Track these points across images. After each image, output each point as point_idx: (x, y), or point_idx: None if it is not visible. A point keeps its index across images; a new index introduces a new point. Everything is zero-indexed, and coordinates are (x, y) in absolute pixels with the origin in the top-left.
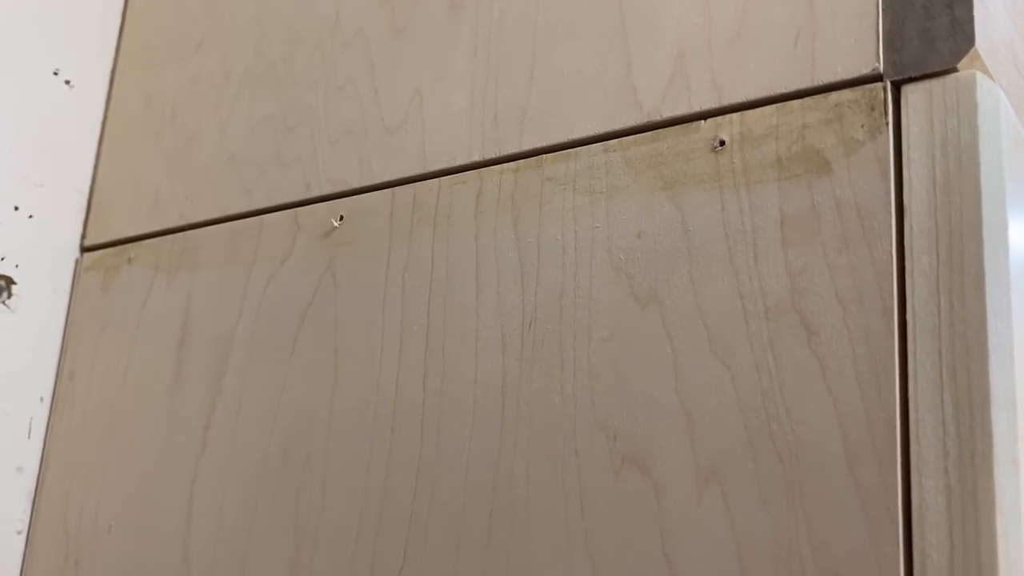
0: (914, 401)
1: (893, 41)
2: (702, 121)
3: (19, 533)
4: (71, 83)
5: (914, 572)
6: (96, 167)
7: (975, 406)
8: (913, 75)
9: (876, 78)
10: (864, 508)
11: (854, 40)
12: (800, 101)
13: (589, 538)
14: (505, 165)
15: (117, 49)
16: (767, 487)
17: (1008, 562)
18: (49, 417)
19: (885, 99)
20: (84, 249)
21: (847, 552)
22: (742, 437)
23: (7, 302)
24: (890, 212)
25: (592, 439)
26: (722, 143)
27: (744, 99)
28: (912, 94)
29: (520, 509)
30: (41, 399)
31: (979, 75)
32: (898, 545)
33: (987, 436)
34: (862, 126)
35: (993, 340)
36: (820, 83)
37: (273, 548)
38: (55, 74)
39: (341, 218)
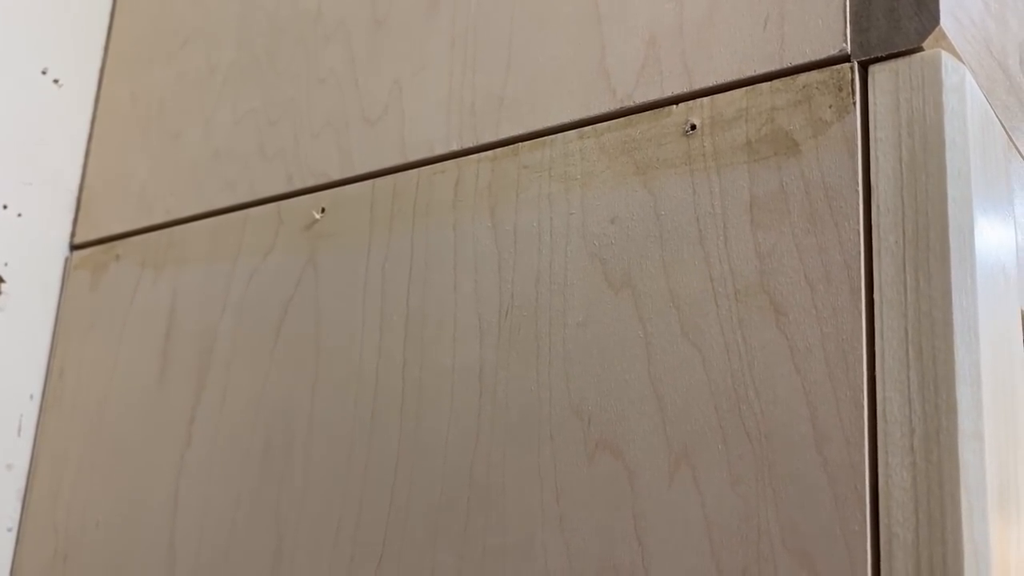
0: (881, 379)
1: (860, 21)
2: (674, 106)
3: (9, 531)
4: (59, 82)
5: (880, 550)
6: (85, 165)
7: (940, 383)
8: (880, 55)
9: (844, 59)
10: (832, 487)
11: (822, 21)
12: (769, 84)
13: (564, 523)
14: (483, 154)
15: (105, 47)
16: (737, 468)
17: (973, 538)
18: (39, 415)
19: (852, 79)
20: (73, 247)
21: (815, 531)
22: (712, 419)
23: None
24: (857, 192)
25: (567, 424)
26: (693, 127)
27: (715, 83)
28: (879, 74)
29: (496, 495)
30: (31, 397)
31: (944, 54)
32: (865, 523)
33: (952, 412)
34: (830, 107)
35: (958, 317)
36: (789, 65)
37: (255, 540)
38: (43, 73)
39: (323, 210)
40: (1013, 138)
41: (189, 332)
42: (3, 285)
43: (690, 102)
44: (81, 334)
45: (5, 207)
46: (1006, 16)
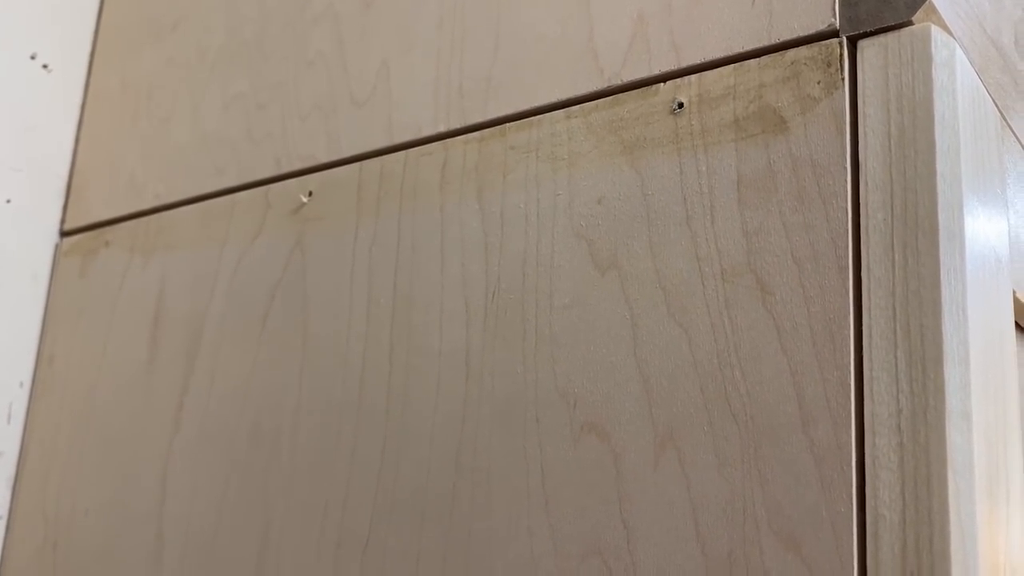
0: (868, 359)
1: None
2: (661, 84)
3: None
4: (49, 67)
5: (867, 531)
6: (75, 151)
7: (928, 362)
8: (869, 30)
9: (832, 34)
10: (818, 468)
11: None
12: (757, 60)
13: (549, 506)
14: (470, 135)
15: (95, 32)
16: (723, 450)
17: (960, 519)
18: (29, 402)
19: (841, 55)
20: (63, 234)
21: (801, 513)
22: (698, 400)
23: None
24: (845, 169)
25: (553, 407)
26: (680, 105)
27: (703, 60)
28: (868, 49)
29: (482, 479)
30: (21, 384)
31: (934, 28)
32: (851, 504)
33: (939, 392)
34: (818, 83)
35: (946, 295)
36: (777, 41)
37: (243, 526)
38: (32, 58)
39: (310, 194)
40: (1007, 117)
41: (177, 318)
42: None
43: (678, 80)
44: (71, 321)
45: None
46: None
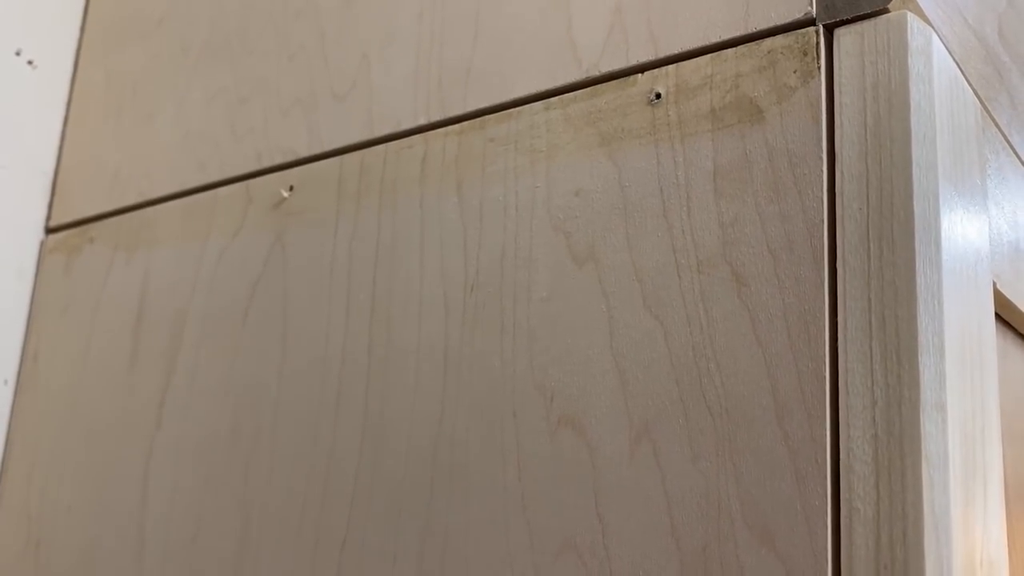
0: (843, 350)
1: None
2: (639, 74)
3: None
4: (34, 63)
5: (841, 524)
6: (60, 147)
7: (903, 352)
8: (845, 18)
9: (809, 22)
10: (793, 461)
11: None
12: (734, 50)
13: (526, 501)
14: (449, 128)
15: (81, 28)
16: (698, 443)
17: (933, 512)
18: (13, 399)
19: (817, 43)
20: (48, 230)
21: (775, 506)
22: (674, 393)
23: None
24: (821, 158)
25: (530, 400)
26: (658, 96)
27: (680, 50)
28: (844, 37)
29: (460, 474)
30: (5, 382)
31: (910, 15)
32: (826, 498)
33: (914, 383)
34: (795, 72)
35: (921, 285)
36: (754, 30)
37: (222, 523)
38: (17, 54)
39: (291, 188)
40: (989, 108)
41: (160, 314)
42: None
43: (655, 70)
44: (55, 318)
45: None
46: None
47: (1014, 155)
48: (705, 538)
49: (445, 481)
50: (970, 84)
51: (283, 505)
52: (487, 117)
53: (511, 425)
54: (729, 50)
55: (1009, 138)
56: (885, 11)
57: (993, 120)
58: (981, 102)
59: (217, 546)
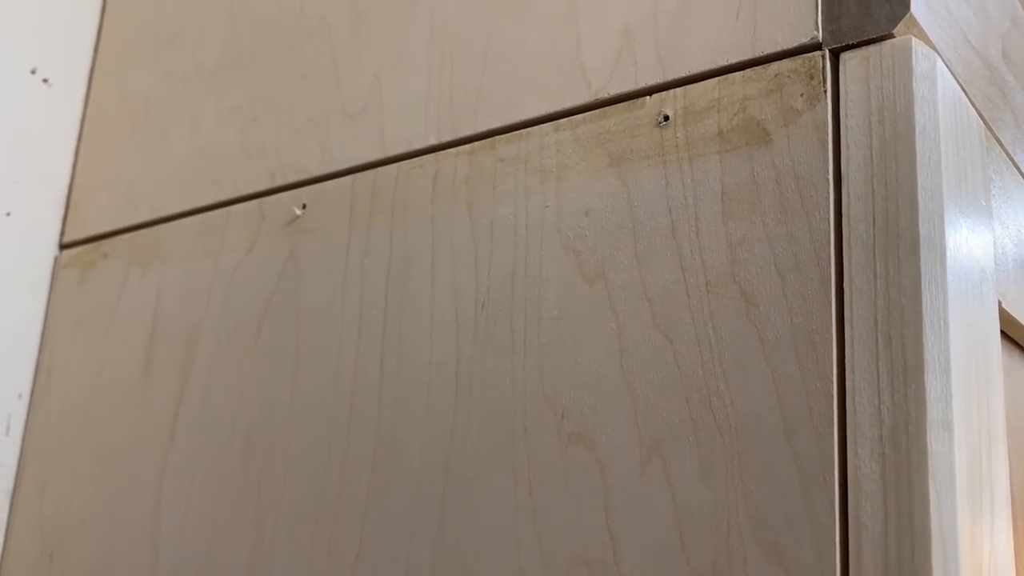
0: (850, 369)
1: (831, 9)
2: (647, 97)
3: None
4: (49, 81)
5: (849, 542)
6: (74, 164)
7: (909, 372)
8: (851, 42)
9: (815, 47)
10: (801, 479)
11: (794, 9)
12: (741, 73)
13: (537, 517)
14: (460, 148)
15: (95, 47)
16: (707, 461)
17: (941, 530)
18: (27, 413)
19: (823, 67)
20: (62, 246)
21: (784, 523)
22: (684, 411)
23: None
24: (828, 180)
25: (540, 417)
26: (666, 118)
27: (688, 73)
28: (850, 61)
29: (471, 489)
30: (20, 396)
31: (915, 41)
32: (834, 515)
33: (921, 402)
34: (801, 95)
35: (927, 306)
36: (761, 54)
37: (235, 537)
38: (33, 72)
39: (304, 206)
40: (993, 128)
41: (173, 330)
42: None
43: (663, 93)
44: (69, 333)
45: None
46: (987, 7)
47: (1018, 173)
48: (715, 554)
49: (457, 496)
50: (974, 105)
51: (296, 519)
52: (497, 137)
53: (522, 441)
54: (736, 73)
55: (1013, 156)
56: (890, 36)
57: (997, 139)
58: (985, 122)
59: (230, 560)
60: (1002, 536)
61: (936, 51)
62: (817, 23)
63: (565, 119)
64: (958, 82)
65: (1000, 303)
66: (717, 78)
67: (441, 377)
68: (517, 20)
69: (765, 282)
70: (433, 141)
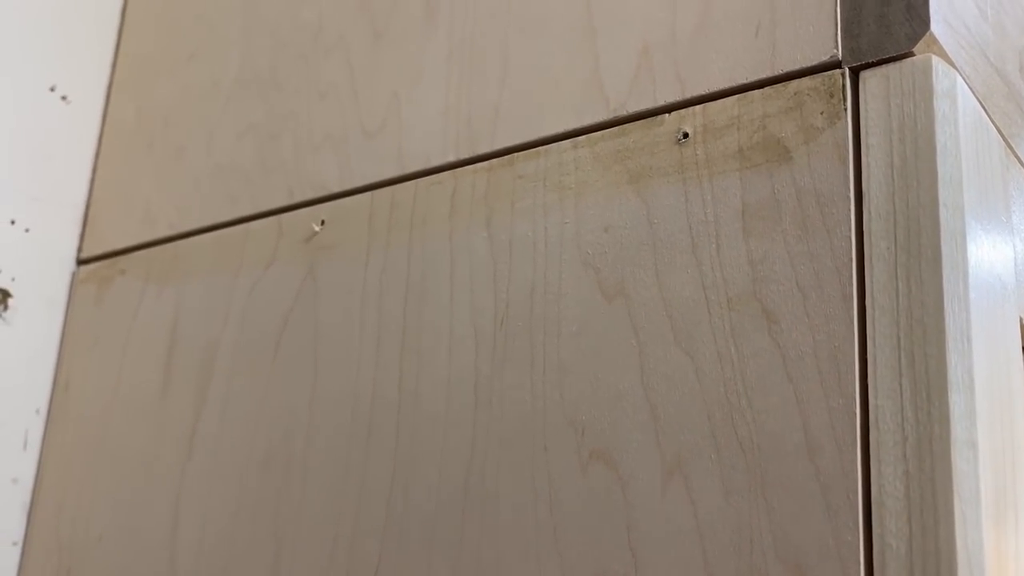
0: (873, 387)
1: (851, 27)
2: (667, 114)
3: (14, 544)
4: (67, 98)
5: (874, 561)
6: (92, 180)
7: (932, 390)
8: (871, 60)
9: (835, 65)
10: (824, 496)
11: (813, 28)
12: (761, 91)
13: (558, 534)
14: (479, 164)
15: (113, 64)
16: (730, 478)
17: (967, 548)
18: (45, 429)
19: (843, 85)
20: (80, 262)
21: (808, 541)
22: (705, 428)
23: (4, 315)
24: (849, 198)
25: (561, 434)
26: (685, 135)
27: (707, 91)
28: (870, 79)
29: (491, 506)
30: (37, 411)
31: (935, 59)
32: (858, 533)
33: (944, 420)
34: (821, 113)
35: (950, 323)
36: (780, 72)
37: (254, 552)
38: (51, 90)
39: (322, 223)
40: (1012, 144)
41: (191, 346)
42: (10, 300)
43: (682, 110)
44: (86, 348)
45: (13, 222)
46: (1004, 23)
47: None
48: (738, 572)
49: (476, 513)
50: (993, 122)
51: (315, 536)
52: (516, 154)
53: (542, 458)
54: (756, 91)
55: None
56: (910, 54)
57: (1016, 156)
58: (1004, 139)
59: (249, 574)
60: None
61: (956, 68)
62: (837, 41)
63: (584, 136)
64: (977, 99)
65: (1021, 319)
66: (736, 96)
67: (460, 394)
68: (535, 37)
69: (787, 299)
70: (452, 158)
